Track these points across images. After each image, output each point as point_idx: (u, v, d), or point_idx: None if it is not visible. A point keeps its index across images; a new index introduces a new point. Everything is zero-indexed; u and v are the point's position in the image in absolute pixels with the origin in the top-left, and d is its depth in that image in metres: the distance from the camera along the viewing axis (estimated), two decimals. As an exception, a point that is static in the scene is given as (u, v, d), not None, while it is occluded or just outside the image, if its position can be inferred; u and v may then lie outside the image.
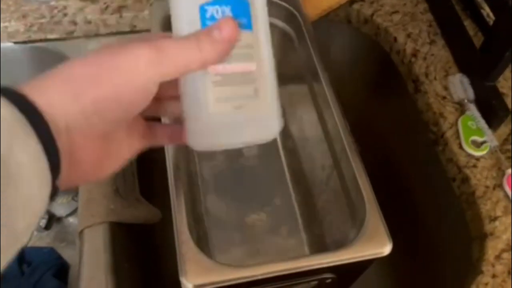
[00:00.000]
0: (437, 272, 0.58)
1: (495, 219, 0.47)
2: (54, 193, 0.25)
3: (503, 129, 0.53)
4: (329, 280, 0.41)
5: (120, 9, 0.61)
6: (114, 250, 0.46)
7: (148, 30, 0.60)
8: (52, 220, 0.70)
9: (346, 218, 0.45)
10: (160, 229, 0.54)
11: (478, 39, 0.57)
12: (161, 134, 0.34)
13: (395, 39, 0.61)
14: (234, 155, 0.63)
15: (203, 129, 0.30)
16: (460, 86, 0.54)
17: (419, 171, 0.62)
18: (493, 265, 0.45)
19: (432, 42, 0.60)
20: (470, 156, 0.51)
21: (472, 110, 0.53)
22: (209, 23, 0.28)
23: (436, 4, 0.63)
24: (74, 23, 0.60)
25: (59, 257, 0.65)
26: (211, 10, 0.28)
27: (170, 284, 0.40)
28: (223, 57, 0.28)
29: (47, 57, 0.62)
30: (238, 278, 0.36)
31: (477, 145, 0.51)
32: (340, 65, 0.71)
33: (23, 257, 0.61)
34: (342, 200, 0.46)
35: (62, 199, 0.68)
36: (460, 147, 0.52)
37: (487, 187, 0.49)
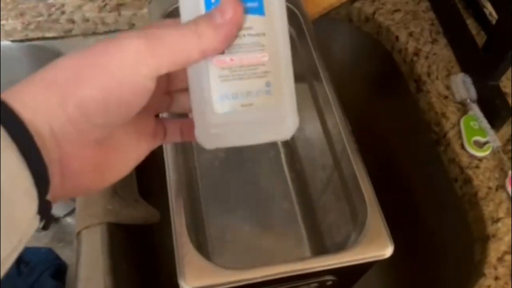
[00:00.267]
0: (439, 274, 0.58)
1: (497, 220, 0.47)
2: (46, 208, 0.23)
3: (506, 130, 0.53)
4: (329, 283, 0.40)
5: (118, 7, 0.61)
6: (112, 251, 0.46)
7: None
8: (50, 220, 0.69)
9: (347, 220, 0.44)
10: (158, 230, 0.54)
11: (480, 38, 0.57)
12: (173, 131, 0.31)
13: (397, 38, 0.61)
14: (234, 155, 0.62)
15: (210, 128, 0.27)
16: (463, 86, 0.54)
17: (421, 171, 0.62)
18: (495, 267, 0.45)
19: (434, 41, 0.60)
20: (472, 156, 0.51)
21: (475, 110, 0.52)
22: (214, 7, 0.25)
23: (438, 2, 0.62)
24: (72, 21, 0.60)
25: (57, 258, 0.65)
26: None
27: (168, 286, 0.39)
28: (227, 44, 0.25)
29: (44, 55, 0.61)
30: (238, 281, 0.36)
31: (480, 145, 0.51)
32: (341, 64, 0.70)
33: (20, 257, 0.60)
34: (342, 201, 0.46)
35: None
36: (462, 147, 0.51)
37: (489, 188, 0.49)
